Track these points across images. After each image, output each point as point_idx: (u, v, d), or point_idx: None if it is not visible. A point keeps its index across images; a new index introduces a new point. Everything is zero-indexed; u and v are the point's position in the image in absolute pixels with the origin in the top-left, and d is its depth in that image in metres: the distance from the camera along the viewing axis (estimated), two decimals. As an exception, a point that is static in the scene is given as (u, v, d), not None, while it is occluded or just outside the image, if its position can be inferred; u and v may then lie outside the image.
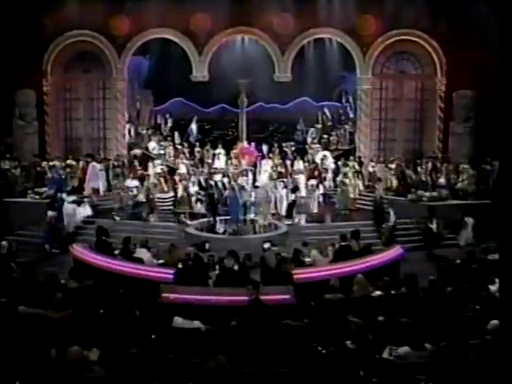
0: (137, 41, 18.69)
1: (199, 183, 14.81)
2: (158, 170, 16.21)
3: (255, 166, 18.20)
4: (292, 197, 13.80)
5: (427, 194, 14.92)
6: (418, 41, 18.54)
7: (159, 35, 18.81)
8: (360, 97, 19.00)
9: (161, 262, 9.97)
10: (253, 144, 20.08)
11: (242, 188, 13.02)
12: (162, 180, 15.31)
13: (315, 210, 14.31)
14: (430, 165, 16.81)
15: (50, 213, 13.99)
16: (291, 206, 13.87)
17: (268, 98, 22.48)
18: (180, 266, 9.54)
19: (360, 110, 19.08)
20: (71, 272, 8.24)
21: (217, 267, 10.00)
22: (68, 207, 14.50)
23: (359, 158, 18.37)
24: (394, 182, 16.45)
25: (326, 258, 9.68)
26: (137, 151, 19.94)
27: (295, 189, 14.03)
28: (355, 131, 20.08)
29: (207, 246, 12.19)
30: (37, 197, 15.26)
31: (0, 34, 17.07)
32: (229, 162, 18.02)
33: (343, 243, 9.94)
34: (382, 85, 19.17)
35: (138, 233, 13.42)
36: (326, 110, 22.08)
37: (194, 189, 14.06)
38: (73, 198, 14.87)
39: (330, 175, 18.68)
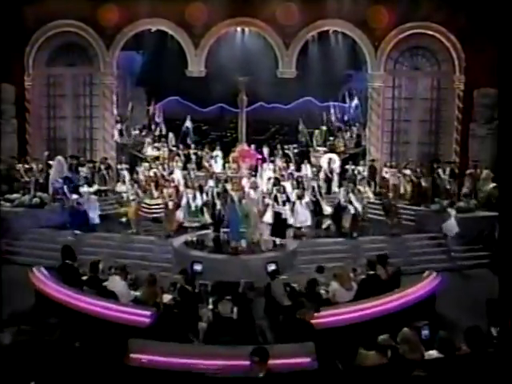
0: (127, 32, 16.13)
1: (200, 190, 12.05)
2: (151, 173, 13.59)
3: (256, 170, 15.69)
4: (284, 210, 10.93)
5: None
6: (435, 34, 16.03)
7: (151, 26, 16.28)
8: (371, 95, 16.46)
9: (138, 294, 7.41)
10: (252, 146, 17.56)
11: (242, 197, 10.40)
12: (152, 185, 12.69)
13: (304, 224, 11.39)
14: (448, 171, 14.31)
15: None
16: (281, 221, 10.96)
17: (269, 97, 19.91)
18: (162, 301, 7.01)
19: (371, 109, 16.54)
20: (8, 321, 5.66)
21: (210, 301, 7.49)
22: (92, 198, 12.10)
23: (372, 161, 15.82)
24: (409, 190, 13.89)
25: (349, 292, 7.16)
26: (153, 152, 17.39)
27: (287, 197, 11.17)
28: (363, 133, 17.65)
29: (199, 267, 9.61)
30: (7, 204, 12.65)
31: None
32: (226, 165, 15.42)
33: (371, 272, 7.41)
34: (394, 82, 16.66)
35: (118, 249, 10.94)
36: (331, 111, 19.53)
37: (199, 197, 11.32)
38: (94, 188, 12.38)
39: (336, 180, 16.25)
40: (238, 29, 17.10)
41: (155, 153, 17.79)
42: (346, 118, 19.42)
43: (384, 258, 8.06)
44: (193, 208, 10.98)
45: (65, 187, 12.50)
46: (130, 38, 16.69)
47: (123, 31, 16.03)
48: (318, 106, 20.15)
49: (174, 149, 18.02)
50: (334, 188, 15.88)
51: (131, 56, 18.33)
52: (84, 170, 14.21)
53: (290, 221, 11.22)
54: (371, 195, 13.81)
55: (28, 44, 15.94)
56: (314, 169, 16.31)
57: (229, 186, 11.58)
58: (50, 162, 14.60)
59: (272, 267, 9.67)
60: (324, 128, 19.10)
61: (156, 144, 18.20)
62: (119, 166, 15.40)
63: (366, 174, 15.70)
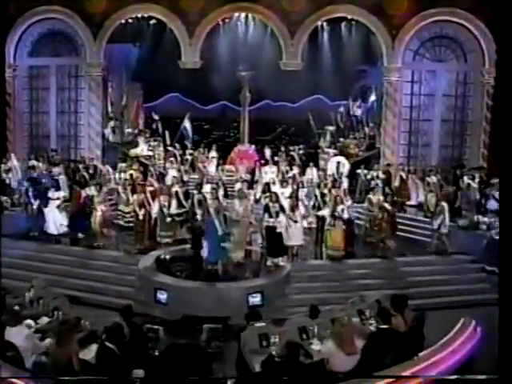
0: (116, 19, 13.84)
1: (186, 197, 9.46)
2: (127, 175, 11.22)
3: (253, 173, 13.21)
4: (278, 223, 8.12)
5: (486, 219, 9.60)
6: (461, 22, 13.29)
7: (142, 12, 14.01)
8: (386, 91, 13.78)
9: (45, 345, 4.97)
10: (252, 147, 15.13)
11: (220, 209, 7.91)
12: (128, 188, 10.26)
13: (299, 243, 8.75)
14: (477, 178, 11.55)
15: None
16: (275, 236, 8.25)
17: (276, 94, 17.48)
18: (77, 361, 4.58)
19: (386, 107, 13.86)
20: None
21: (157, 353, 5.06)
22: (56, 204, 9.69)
23: (388, 165, 13.15)
24: (433, 201, 11.13)
25: (350, 358, 4.61)
26: (136, 151, 15.06)
27: (281, 207, 8.26)
28: (377, 134, 15.00)
29: (164, 297, 7.19)
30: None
31: None
32: (220, 168, 12.96)
33: (383, 326, 4.85)
34: (413, 77, 13.93)
35: (75, 266, 8.59)
36: (342, 110, 16.88)
37: (175, 205, 8.75)
38: (61, 193, 9.96)
39: (345, 186, 13.56)
40: (242, 15, 14.60)
41: (150, 152, 15.56)
42: (358, 117, 16.75)
43: (402, 300, 5.47)
44: (167, 219, 8.55)
45: (30, 190, 10.20)
46: (127, 29, 14.57)
47: (112, 18, 13.75)
48: (329, 105, 17.54)
49: (171, 149, 15.67)
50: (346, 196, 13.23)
51: (127, 49, 16.11)
52: (56, 170, 11.91)
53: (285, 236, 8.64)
54: (388, 206, 10.74)
55: (9, 32, 13.79)
56: (321, 173, 13.70)
57: (207, 191, 9.08)
58: (30, 163, 12.42)
59: (256, 299, 7.22)
60: (334, 128, 16.51)
61: (151, 143, 15.93)
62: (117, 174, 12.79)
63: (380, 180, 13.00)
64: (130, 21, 14.46)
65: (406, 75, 13.77)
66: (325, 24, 14.72)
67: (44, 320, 5.73)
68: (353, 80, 16.65)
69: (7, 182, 11.26)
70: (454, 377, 4.61)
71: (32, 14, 13.76)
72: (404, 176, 12.51)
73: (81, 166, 12.50)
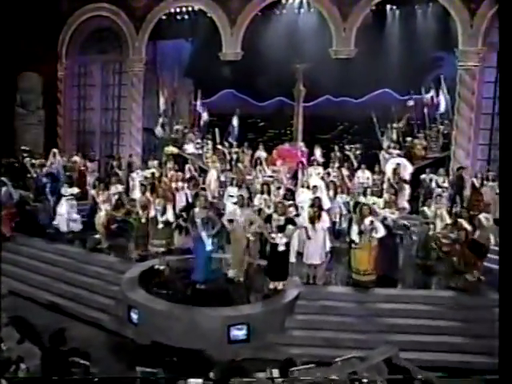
0: (158, 11, 13.15)
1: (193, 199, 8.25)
2: (148, 173, 10.29)
3: (295, 176, 11.53)
4: (280, 239, 6.38)
5: None
6: None
7: (183, 3, 13.06)
8: (461, 79, 11.22)
9: None
10: (301, 145, 13.41)
11: (209, 220, 6.49)
12: (148, 188, 9.27)
13: (318, 261, 6.97)
14: None
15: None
16: (276, 256, 6.60)
17: (338, 89, 15.51)
18: None
19: (460, 98, 11.30)
20: None
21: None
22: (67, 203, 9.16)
23: (460, 168, 10.63)
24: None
25: None
26: (173, 149, 14.41)
27: (289, 221, 6.53)
28: (452, 133, 12.39)
29: (135, 317, 6.01)
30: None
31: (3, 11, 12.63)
32: (258, 168, 11.49)
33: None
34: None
35: (68, 269, 7.82)
36: (412, 105, 14.33)
37: (171, 210, 7.52)
38: (74, 190, 9.43)
39: (407, 194, 11.24)
40: (296, 1, 12.97)
41: (198, 150, 14.73)
42: (431, 113, 14.11)
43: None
44: (160, 225, 7.38)
45: (47, 186, 9.80)
46: (180, 24, 13.89)
47: (154, 10, 13.08)
48: (398, 100, 15.07)
49: (220, 147, 14.65)
50: (404, 203, 11.00)
51: (180, 45, 15.43)
52: (91, 166, 11.49)
53: (293, 255, 6.97)
54: (467, 224, 7.91)
55: (62, 31, 13.85)
56: (376, 176, 11.58)
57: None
58: (74, 158, 12.23)
59: (240, 332, 5.72)
60: (402, 126, 14.07)
61: (199, 141, 15.06)
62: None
63: (446, 186, 10.54)
64: (185, 17, 13.75)
65: (487, 59, 11.04)
66: (392, 5, 12.52)
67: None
68: (427, 70, 14.05)
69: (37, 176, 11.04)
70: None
71: (81, 12, 13.69)
72: (477, 184, 9.89)
73: (114, 163, 11.95)
